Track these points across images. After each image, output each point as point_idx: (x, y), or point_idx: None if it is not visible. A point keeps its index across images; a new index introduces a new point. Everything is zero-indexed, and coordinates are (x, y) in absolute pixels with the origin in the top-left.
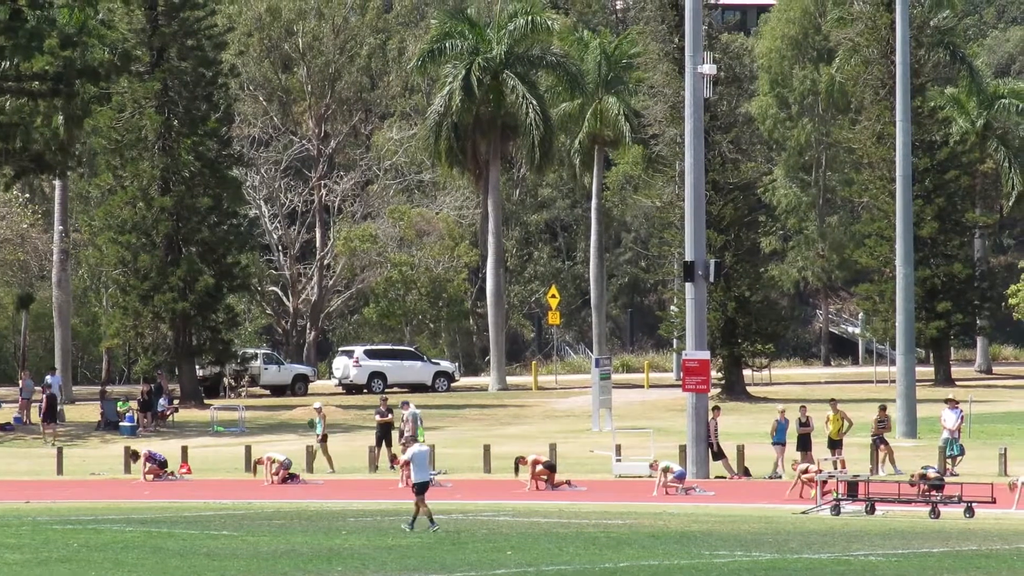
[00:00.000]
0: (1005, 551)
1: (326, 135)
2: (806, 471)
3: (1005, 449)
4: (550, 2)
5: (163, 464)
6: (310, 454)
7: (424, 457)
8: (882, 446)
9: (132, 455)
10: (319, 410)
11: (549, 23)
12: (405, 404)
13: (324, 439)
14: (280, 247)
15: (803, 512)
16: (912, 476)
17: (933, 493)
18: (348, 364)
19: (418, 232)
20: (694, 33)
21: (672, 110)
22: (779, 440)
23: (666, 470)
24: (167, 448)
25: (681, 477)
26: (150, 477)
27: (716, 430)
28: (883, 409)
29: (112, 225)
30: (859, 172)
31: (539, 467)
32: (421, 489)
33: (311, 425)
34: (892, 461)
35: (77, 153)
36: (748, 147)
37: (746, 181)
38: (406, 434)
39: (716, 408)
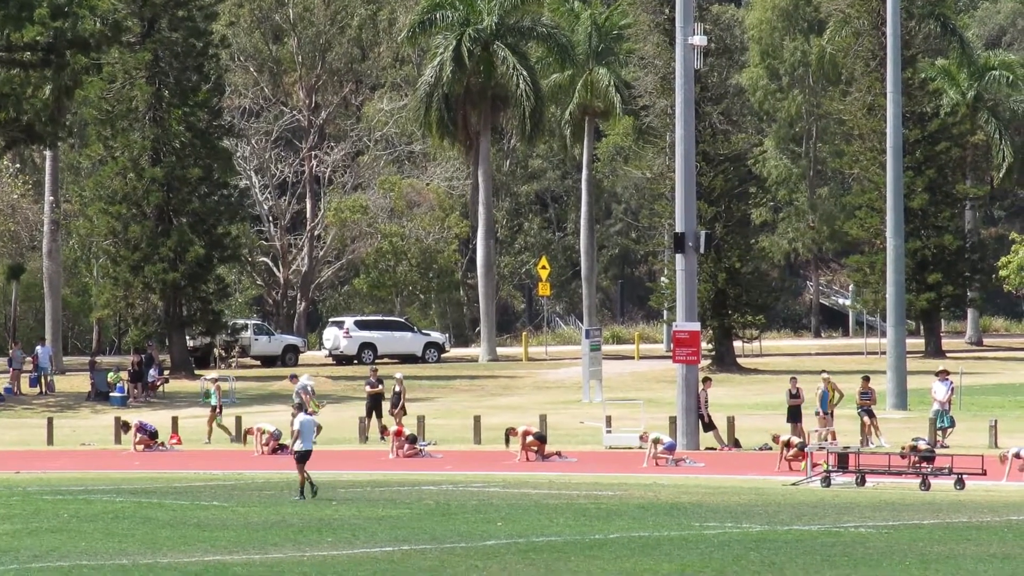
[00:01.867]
0: (995, 523)
1: (317, 106)
2: (788, 444)
3: (995, 421)
4: None
5: (153, 434)
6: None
7: (310, 426)
8: (870, 418)
9: (123, 426)
10: (214, 381)
11: None
12: (293, 377)
13: (218, 410)
14: (271, 218)
15: (793, 484)
16: (903, 448)
17: (924, 465)
18: (338, 335)
19: (408, 203)
20: (685, 4)
21: (663, 81)
22: (823, 410)
23: (656, 441)
24: (157, 418)
25: (671, 448)
26: (140, 447)
27: (706, 401)
28: (866, 380)
29: (103, 196)
30: (850, 144)
31: (529, 438)
32: (302, 457)
33: (206, 396)
34: (872, 432)
35: (68, 124)
36: (739, 118)
37: (736, 152)
38: (295, 405)
39: (706, 379)
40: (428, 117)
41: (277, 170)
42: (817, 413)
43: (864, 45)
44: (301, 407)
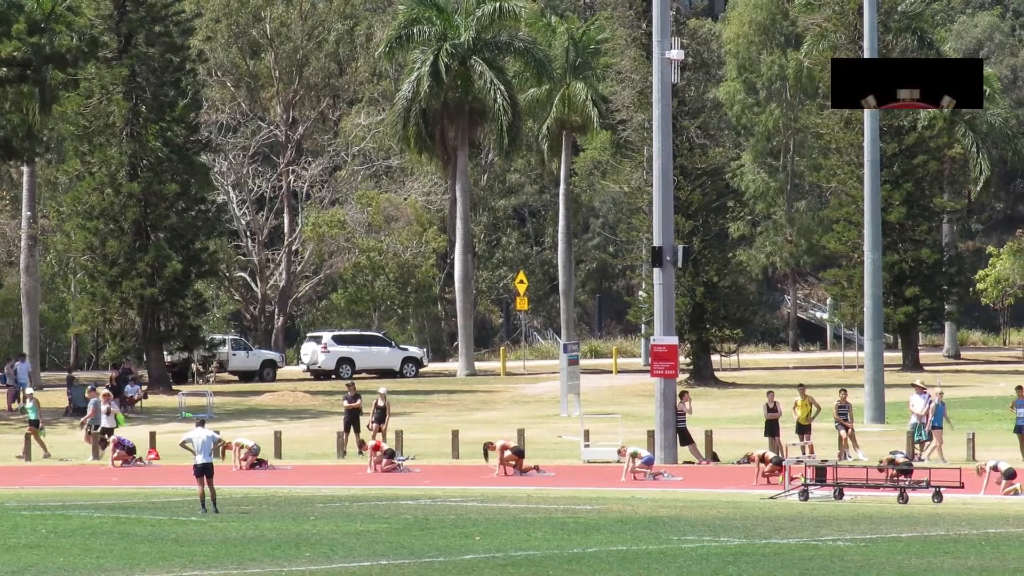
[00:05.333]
0: (973, 536)
1: (294, 121)
2: (764, 458)
3: (973, 434)
4: None
5: (131, 450)
6: (87, 441)
7: (208, 441)
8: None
9: (101, 441)
10: (31, 395)
11: (517, 9)
12: (92, 389)
13: (36, 424)
14: (248, 233)
15: (771, 497)
16: (881, 461)
17: (902, 478)
18: (316, 350)
19: (386, 218)
20: (662, 18)
21: (640, 96)
22: (936, 424)
23: (634, 455)
24: (135, 434)
25: (649, 463)
26: (119, 463)
27: (690, 412)
28: (843, 393)
29: (80, 211)
30: (827, 157)
31: (507, 452)
32: (200, 471)
33: (22, 411)
34: (850, 445)
35: (45, 139)
36: (716, 132)
37: (714, 166)
38: (88, 421)
39: (683, 393)
40: (406, 132)
41: (255, 185)
42: (936, 427)
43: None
44: (96, 426)
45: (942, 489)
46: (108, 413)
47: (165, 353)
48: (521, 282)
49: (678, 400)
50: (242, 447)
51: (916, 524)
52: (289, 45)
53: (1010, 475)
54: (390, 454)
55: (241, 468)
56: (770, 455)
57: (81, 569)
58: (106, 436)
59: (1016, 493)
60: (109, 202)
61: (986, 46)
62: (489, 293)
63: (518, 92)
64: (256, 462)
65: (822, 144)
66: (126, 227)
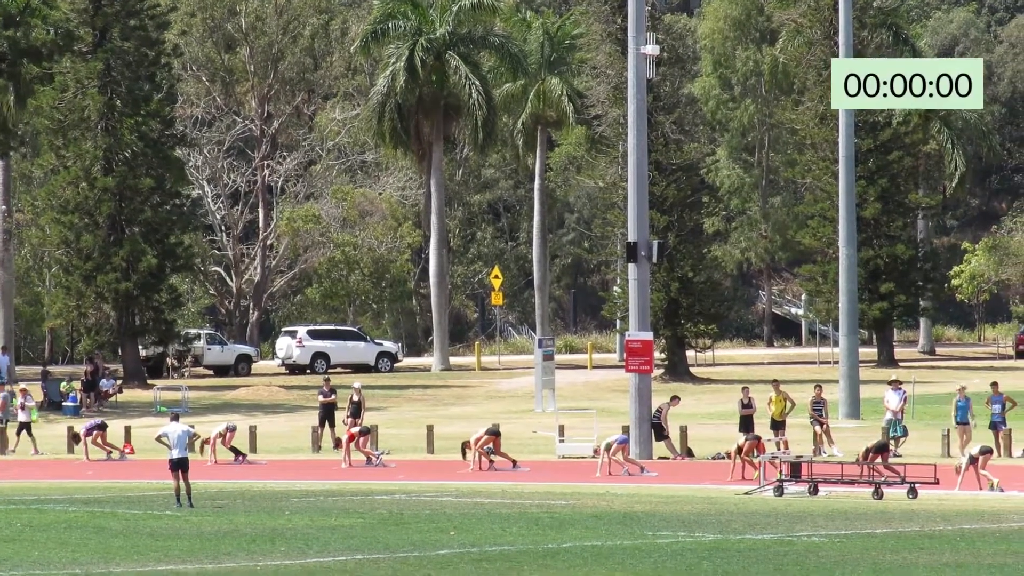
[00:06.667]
0: (948, 532)
1: (269, 115)
2: (739, 449)
3: (948, 430)
4: None
5: (103, 426)
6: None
7: (183, 435)
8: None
9: (74, 437)
10: None
11: (493, 3)
12: (2, 383)
13: None
14: (223, 227)
15: (746, 493)
16: (857, 457)
17: (878, 469)
18: (291, 344)
19: (361, 212)
20: (637, 13)
21: (615, 91)
22: (962, 420)
23: (608, 447)
24: (110, 429)
25: (624, 442)
26: (98, 443)
27: (667, 414)
28: (818, 389)
29: (55, 205)
30: (802, 153)
31: (483, 437)
32: (175, 465)
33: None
34: (825, 441)
35: (20, 133)
36: (691, 128)
37: (689, 162)
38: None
39: (675, 397)
40: (381, 126)
41: (229, 180)
42: (964, 424)
43: (816, 55)
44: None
45: (917, 485)
46: (23, 408)
47: (140, 347)
48: (496, 277)
49: (668, 400)
50: (222, 435)
51: (891, 520)
52: (264, 39)
53: (985, 451)
54: (365, 431)
55: (215, 462)
56: (743, 440)
57: (56, 563)
58: (25, 430)
59: (992, 488)
60: (84, 196)
61: (961, 42)
62: (464, 288)
63: (493, 87)
64: (233, 449)
65: (797, 140)
66: (101, 221)
